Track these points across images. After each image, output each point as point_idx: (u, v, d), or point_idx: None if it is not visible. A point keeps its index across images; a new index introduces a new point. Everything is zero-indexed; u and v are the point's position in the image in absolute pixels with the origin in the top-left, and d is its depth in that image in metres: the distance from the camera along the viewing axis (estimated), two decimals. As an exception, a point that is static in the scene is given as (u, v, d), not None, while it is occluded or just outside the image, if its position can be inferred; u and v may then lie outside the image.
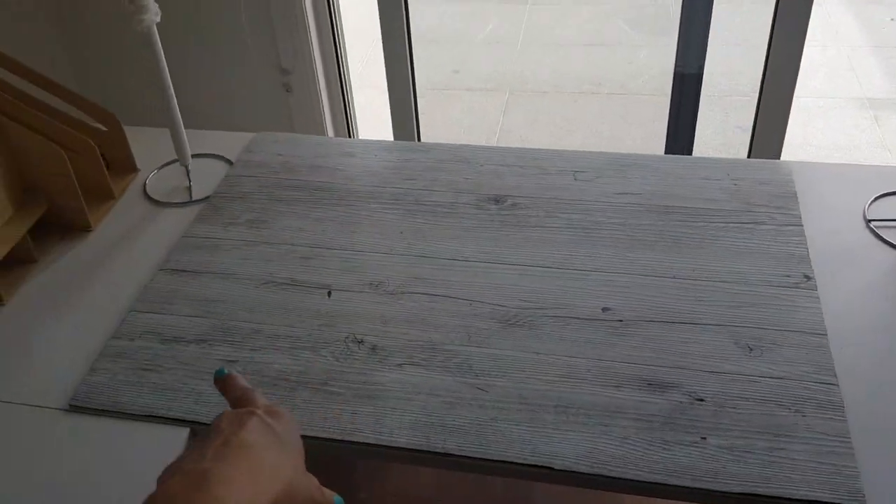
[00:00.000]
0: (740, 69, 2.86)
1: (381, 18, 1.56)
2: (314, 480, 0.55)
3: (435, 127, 2.76)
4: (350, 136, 1.73)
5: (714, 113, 2.70)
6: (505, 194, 1.07)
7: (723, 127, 2.66)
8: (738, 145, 2.56)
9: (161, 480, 0.49)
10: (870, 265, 0.93)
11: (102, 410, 0.81)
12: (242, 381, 0.61)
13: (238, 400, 0.59)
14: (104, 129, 1.15)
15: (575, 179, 1.08)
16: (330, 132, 1.70)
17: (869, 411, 0.76)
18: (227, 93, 1.62)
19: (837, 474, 0.70)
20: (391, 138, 1.71)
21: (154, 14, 1.02)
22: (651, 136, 2.64)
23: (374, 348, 0.86)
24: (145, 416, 0.80)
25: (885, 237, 0.96)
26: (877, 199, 1.02)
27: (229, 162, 1.20)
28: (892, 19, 3.43)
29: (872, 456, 0.72)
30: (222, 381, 0.61)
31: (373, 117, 2.16)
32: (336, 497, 0.56)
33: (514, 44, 3.26)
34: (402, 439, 0.76)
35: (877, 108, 2.86)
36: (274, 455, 0.52)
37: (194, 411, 0.80)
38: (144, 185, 1.16)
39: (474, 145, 1.18)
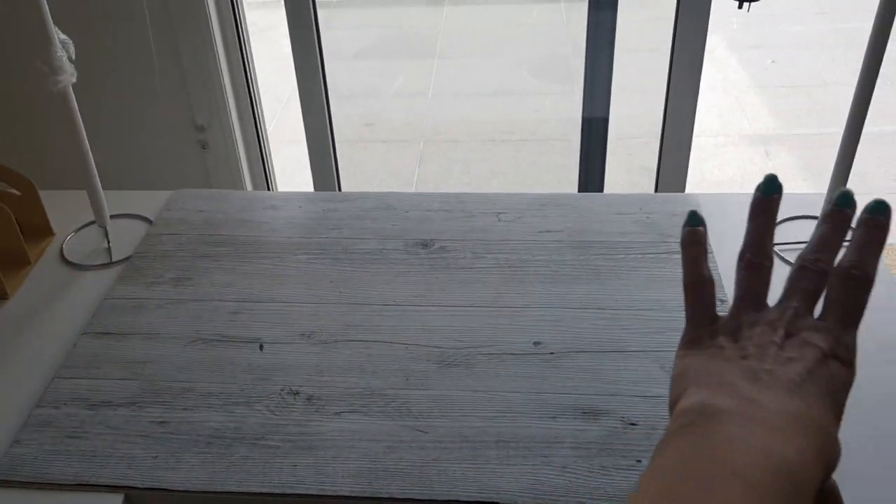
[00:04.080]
0: (640, 113, 3.00)
1: (297, 74, 1.58)
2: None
3: (353, 178, 2.79)
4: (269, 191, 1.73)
5: (619, 155, 2.82)
6: (432, 238, 1.09)
7: (628, 167, 2.78)
8: (643, 184, 2.68)
9: (703, 375, 0.40)
10: (778, 287, 0.99)
11: (29, 483, 0.77)
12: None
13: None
14: (18, 193, 1.12)
15: (499, 220, 1.12)
16: (248, 187, 1.69)
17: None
18: (142, 152, 1.60)
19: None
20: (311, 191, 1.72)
21: (70, 75, 1.01)
22: (563, 179, 2.74)
23: (310, 398, 0.85)
24: (75, 484, 0.77)
25: (790, 260, 1.02)
26: (780, 223, 1.09)
27: (149, 221, 1.18)
28: (772, 61, 3.68)
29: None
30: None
31: (291, 172, 2.16)
32: None
33: (424, 96, 3.34)
34: (346, 488, 0.75)
35: (766, 144, 3.06)
36: (829, 420, 0.39)
37: (127, 476, 0.77)
38: (61, 248, 1.13)
39: (399, 192, 1.20)
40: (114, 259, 1.10)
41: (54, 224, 1.16)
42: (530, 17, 4.07)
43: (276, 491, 0.75)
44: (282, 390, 0.86)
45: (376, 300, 0.99)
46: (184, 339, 0.94)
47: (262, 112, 1.69)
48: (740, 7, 1.30)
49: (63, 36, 1.02)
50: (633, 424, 0.80)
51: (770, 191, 0.48)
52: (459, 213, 1.14)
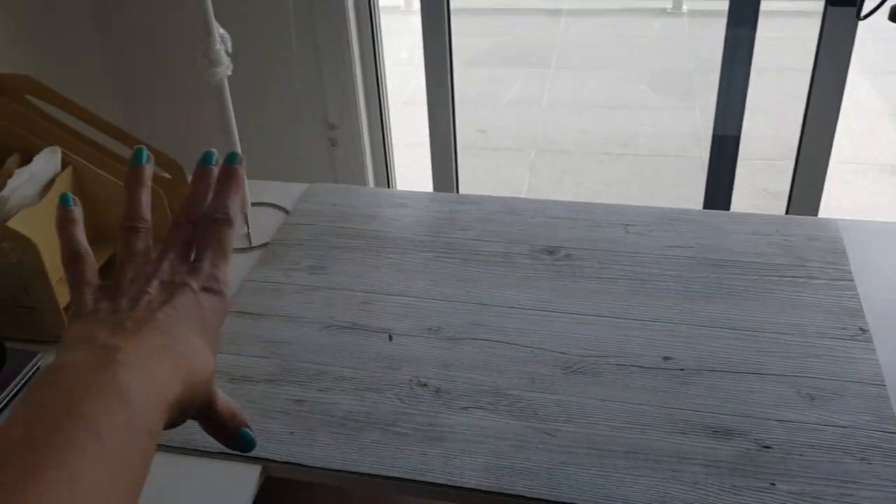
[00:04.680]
0: (767, 134, 2.91)
1: (427, 79, 1.62)
2: (219, 391, 0.48)
3: (464, 185, 2.82)
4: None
5: (742, 176, 2.74)
6: (558, 245, 1.09)
7: (750, 190, 2.70)
8: (767, 207, 2.60)
9: (68, 342, 0.42)
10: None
11: (176, 447, 0.83)
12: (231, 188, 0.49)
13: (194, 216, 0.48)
14: (169, 176, 1.19)
15: (627, 232, 1.11)
16: (371, 185, 1.74)
17: (935, 462, 0.76)
18: (275, 144, 1.67)
19: (910, 523, 0.70)
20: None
21: (226, 68, 1.07)
22: (679, 196, 2.69)
23: (437, 391, 0.87)
24: (218, 452, 0.82)
25: None
26: (925, 257, 1.04)
27: (285, 211, 1.24)
28: (909, 88, 3.50)
29: (943, 506, 0.72)
30: (208, 174, 0.50)
31: (408, 173, 2.21)
32: (244, 430, 0.50)
33: (538, 105, 3.34)
34: (473, 481, 0.77)
35: (899, 174, 2.90)
36: (195, 346, 0.44)
37: (265, 449, 0.81)
38: (204, 231, 1.20)
39: (524, 198, 1.21)
40: (253, 244, 1.16)
41: (200, 207, 1.23)
42: (652, 30, 4.01)
43: (406, 476, 0.77)
44: (410, 381, 0.89)
45: (502, 302, 1.00)
46: (318, 324, 0.98)
47: (388, 114, 1.74)
48: (859, 18, 1.25)
49: (222, 30, 1.09)
50: (767, 447, 0.78)
51: (138, 161, 0.50)
52: (586, 223, 1.14)
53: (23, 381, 0.91)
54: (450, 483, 0.76)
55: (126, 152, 1.18)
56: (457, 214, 1.19)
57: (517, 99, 3.40)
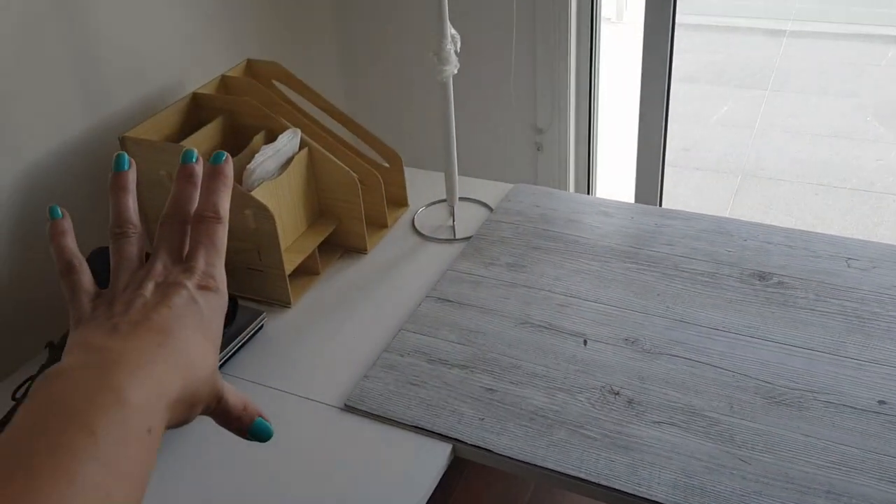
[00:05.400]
0: None
1: (642, 93, 1.61)
2: (228, 385, 0.48)
3: (664, 203, 2.75)
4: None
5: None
6: (770, 272, 1.05)
7: None
8: None
9: (67, 349, 0.43)
10: None
11: (373, 415, 0.88)
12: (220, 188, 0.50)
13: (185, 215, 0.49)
14: (387, 165, 1.27)
15: (848, 266, 1.04)
16: (571, 191, 1.75)
17: None
18: (484, 144, 1.73)
19: None
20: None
21: (454, 66, 1.12)
22: (901, 238, 2.46)
23: (630, 402, 0.87)
24: (411, 426, 0.86)
25: None
26: None
27: (489, 208, 1.27)
28: None
29: None
30: (191, 171, 0.50)
31: (609, 184, 2.19)
32: (260, 420, 0.49)
33: (750, 128, 3.18)
34: (660, 495, 0.76)
35: None
36: (193, 343, 0.44)
37: (456, 430, 0.85)
38: (413, 219, 1.26)
39: (738, 219, 1.17)
40: (457, 236, 1.21)
41: (409, 198, 1.30)
42: (884, 58, 3.70)
43: (591, 479, 0.78)
44: (603, 387, 0.89)
45: (704, 322, 0.97)
46: (514, 320, 1.00)
47: (597, 125, 1.73)
48: None
49: (453, 31, 1.14)
50: None
51: (120, 167, 0.50)
52: (803, 251, 1.08)
53: (249, 335, 1.01)
54: (636, 493, 0.76)
55: (352, 139, 1.27)
56: (662, 228, 1.17)
57: (727, 120, 3.26)
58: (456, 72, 1.14)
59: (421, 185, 1.34)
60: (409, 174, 1.33)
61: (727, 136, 3.14)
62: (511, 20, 1.57)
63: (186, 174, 0.50)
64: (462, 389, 0.90)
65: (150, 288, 0.45)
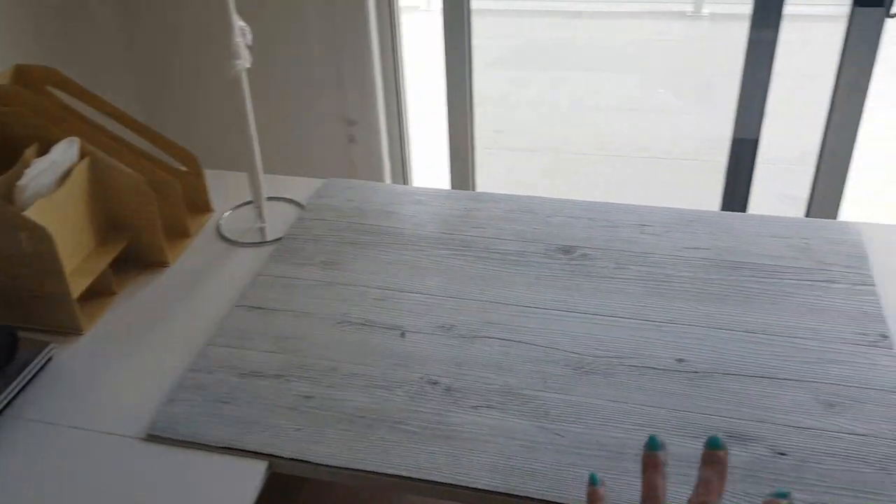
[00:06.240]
0: (785, 138, 2.88)
1: (447, 79, 1.62)
2: None
3: (480, 184, 2.81)
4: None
5: (760, 179, 2.71)
6: (574, 245, 1.08)
7: (768, 195, 2.67)
8: (784, 211, 2.56)
9: None
10: None
11: (180, 441, 0.82)
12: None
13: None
14: (185, 169, 1.19)
15: (643, 233, 1.10)
16: (388, 181, 1.74)
17: (956, 473, 0.75)
18: (293, 140, 1.67)
19: (930, 535, 0.68)
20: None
21: (245, 60, 1.07)
22: (697, 201, 2.66)
23: (448, 390, 0.86)
24: (223, 447, 0.81)
25: (960, 300, 0.95)
26: (949, 262, 1.02)
27: (300, 206, 1.23)
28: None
29: (964, 518, 0.70)
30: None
31: (423, 171, 2.20)
32: None
33: (556, 107, 3.33)
34: (481, 481, 0.76)
35: (923, 181, 2.86)
36: None
37: (272, 444, 0.81)
38: (218, 225, 1.20)
39: (541, 197, 1.20)
40: (267, 238, 1.16)
41: (213, 201, 1.23)
42: (671, 33, 3.98)
43: (413, 475, 0.76)
44: (421, 378, 0.88)
45: (516, 301, 0.99)
46: (331, 320, 0.97)
47: (407, 112, 1.73)
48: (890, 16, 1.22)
49: (242, 23, 1.08)
50: (782, 454, 0.76)
51: (653, 447, 0.54)
52: (603, 223, 1.13)
53: (35, 371, 0.91)
54: (457, 483, 0.75)
55: (144, 144, 1.18)
56: (473, 212, 1.18)
57: (535, 100, 3.39)
58: (249, 66, 1.09)
59: (225, 188, 1.27)
60: (213, 177, 1.26)
61: (535, 117, 3.27)
62: (305, 8, 1.53)
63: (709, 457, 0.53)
64: (277, 401, 0.86)
65: None
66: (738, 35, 1.61)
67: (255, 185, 1.16)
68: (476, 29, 1.63)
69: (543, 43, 3.98)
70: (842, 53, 1.44)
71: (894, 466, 0.75)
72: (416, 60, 1.75)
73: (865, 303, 0.95)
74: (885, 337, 0.89)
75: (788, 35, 1.61)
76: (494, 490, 0.75)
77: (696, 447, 0.77)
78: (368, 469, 0.77)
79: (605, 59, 3.77)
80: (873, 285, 0.97)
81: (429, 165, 2.01)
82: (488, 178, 2.83)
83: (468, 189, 1.74)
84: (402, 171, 1.76)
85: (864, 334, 0.90)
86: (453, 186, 1.74)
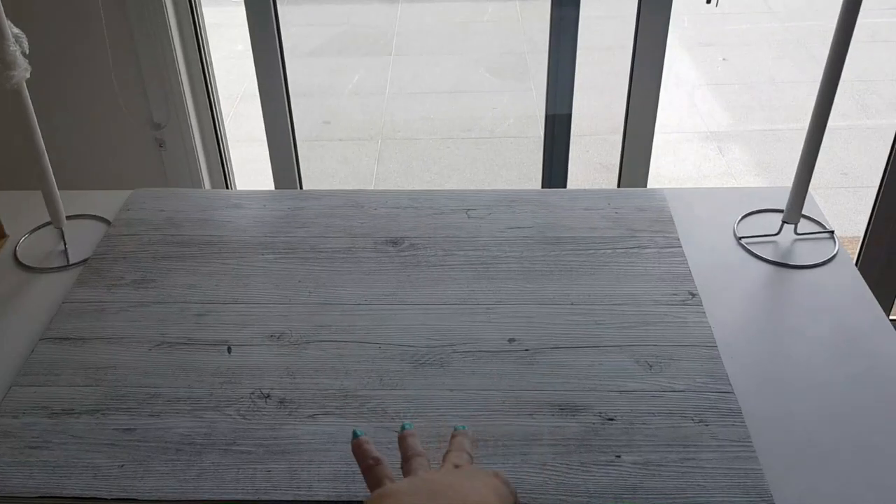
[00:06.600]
0: (597, 111, 3.03)
1: (257, 72, 1.55)
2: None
3: (312, 177, 2.75)
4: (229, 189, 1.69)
5: (578, 152, 2.84)
6: (401, 236, 1.07)
7: (586, 165, 2.80)
8: (604, 180, 2.70)
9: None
10: (745, 278, 1.00)
11: (-13, 497, 0.74)
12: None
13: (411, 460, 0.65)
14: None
15: (468, 217, 1.11)
16: (207, 186, 1.66)
17: (763, 414, 0.81)
18: (97, 150, 1.55)
19: (745, 478, 0.74)
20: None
21: (24, 70, 0.97)
22: (522, 176, 2.75)
23: (282, 401, 0.83)
24: (38, 497, 0.74)
25: (755, 252, 1.04)
26: (743, 217, 1.11)
27: (107, 222, 1.14)
28: (723, 59, 3.75)
29: (772, 456, 0.76)
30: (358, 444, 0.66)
31: (248, 171, 2.12)
32: None
33: (381, 93, 3.32)
34: (322, 493, 0.74)
35: (720, 140, 3.11)
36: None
37: (92, 487, 0.74)
38: (15, 251, 1.09)
39: (366, 189, 1.18)
40: (71, 261, 1.06)
41: (7, 226, 1.11)
42: (485, 14, 4.08)
43: (250, 497, 0.73)
44: (252, 394, 0.84)
45: (347, 299, 0.97)
46: (148, 343, 0.91)
47: (220, 110, 1.65)
48: (708, 2, 1.31)
49: (16, 30, 0.98)
50: (610, 419, 0.80)
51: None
52: (428, 210, 1.13)
53: None
54: (297, 499, 0.73)
55: None
56: (297, 212, 1.14)
57: (360, 89, 3.36)
58: (28, 75, 0.99)
59: (21, 210, 1.16)
60: (4, 198, 1.14)
61: (362, 104, 3.24)
62: (98, 9, 1.42)
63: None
64: (94, 438, 0.79)
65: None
66: (547, 13, 1.66)
67: (51, 204, 1.07)
68: (289, 17, 1.58)
69: (363, 30, 3.95)
70: (636, 28, 1.52)
71: (711, 417, 0.80)
72: (238, 54, 1.68)
73: (674, 264, 1.01)
74: (693, 294, 0.95)
75: (590, 11, 1.69)
76: (337, 500, 0.73)
77: (532, 425, 0.79)
78: (202, 498, 0.73)
79: (426, 44, 3.80)
80: (680, 247, 1.04)
81: (254, 166, 1.94)
82: (320, 171, 2.78)
83: (294, 186, 1.69)
84: (222, 174, 1.68)
85: (674, 294, 0.95)
86: (278, 185, 1.68)
